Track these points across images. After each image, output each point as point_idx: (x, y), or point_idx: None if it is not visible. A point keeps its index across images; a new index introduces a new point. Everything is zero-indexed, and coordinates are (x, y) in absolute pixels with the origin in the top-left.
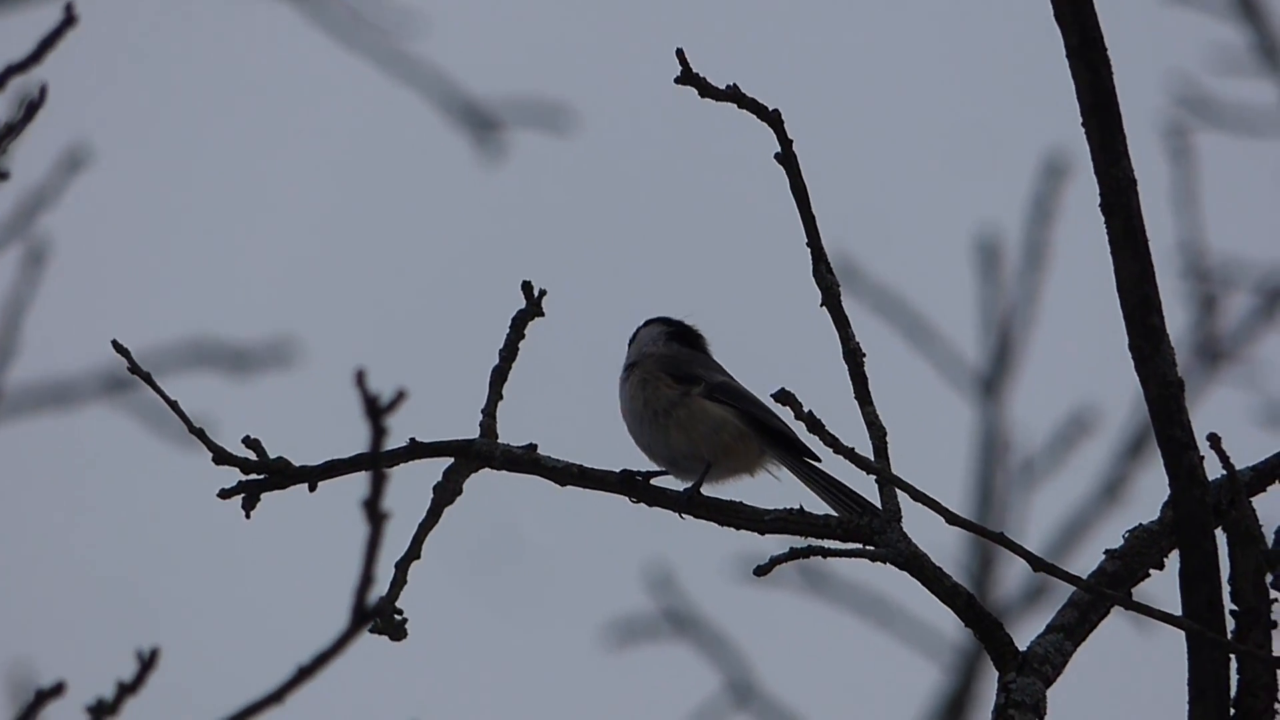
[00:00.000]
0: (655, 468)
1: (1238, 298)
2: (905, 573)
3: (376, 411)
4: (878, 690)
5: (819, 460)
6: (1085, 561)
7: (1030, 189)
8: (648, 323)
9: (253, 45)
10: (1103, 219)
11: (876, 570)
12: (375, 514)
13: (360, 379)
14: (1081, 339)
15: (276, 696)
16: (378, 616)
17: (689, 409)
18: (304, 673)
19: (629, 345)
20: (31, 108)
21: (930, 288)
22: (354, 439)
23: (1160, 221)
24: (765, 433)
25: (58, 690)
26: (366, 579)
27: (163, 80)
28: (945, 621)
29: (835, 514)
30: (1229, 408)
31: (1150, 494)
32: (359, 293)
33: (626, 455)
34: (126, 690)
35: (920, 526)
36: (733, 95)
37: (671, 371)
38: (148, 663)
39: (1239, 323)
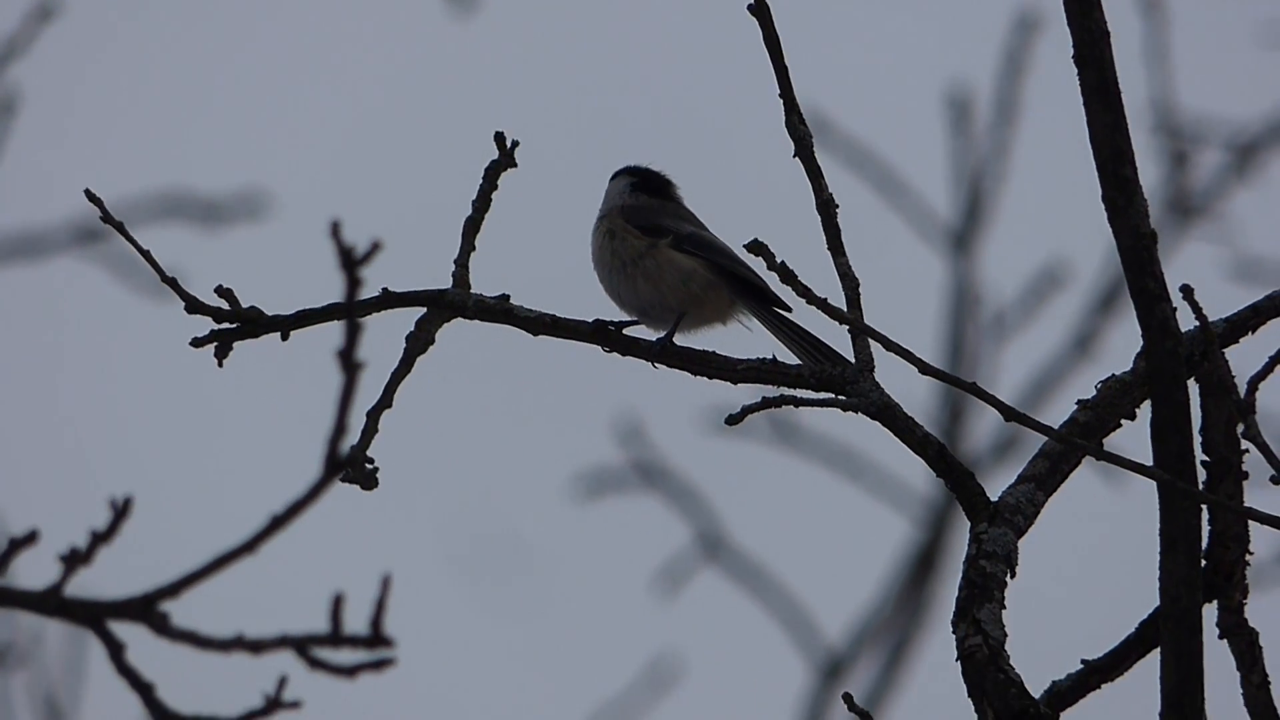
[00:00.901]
0: (627, 318)
1: (1209, 154)
2: (877, 423)
3: (351, 262)
4: (848, 543)
5: (790, 310)
6: (1056, 414)
7: (1002, 43)
8: (616, 174)
9: None
10: (1075, 71)
11: (847, 422)
12: (349, 363)
13: (335, 230)
14: (1053, 193)
15: (249, 546)
16: (349, 466)
17: (656, 260)
18: (277, 522)
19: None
20: None
21: (902, 143)
22: (327, 290)
23: (1132, 78)
24: (736, 283)
25: (30, 539)
26: (340, 428)
27: None
28: (916, 474)
29: (808, 365)
30: (1201, 262)
31: (1122, 347)
32: (330, 143)
33: (599, 306)
34: (100, 539)
35: (893, 378)
36: None
37: (638, 223)
38: (121, 511)
39: (1210, 178)
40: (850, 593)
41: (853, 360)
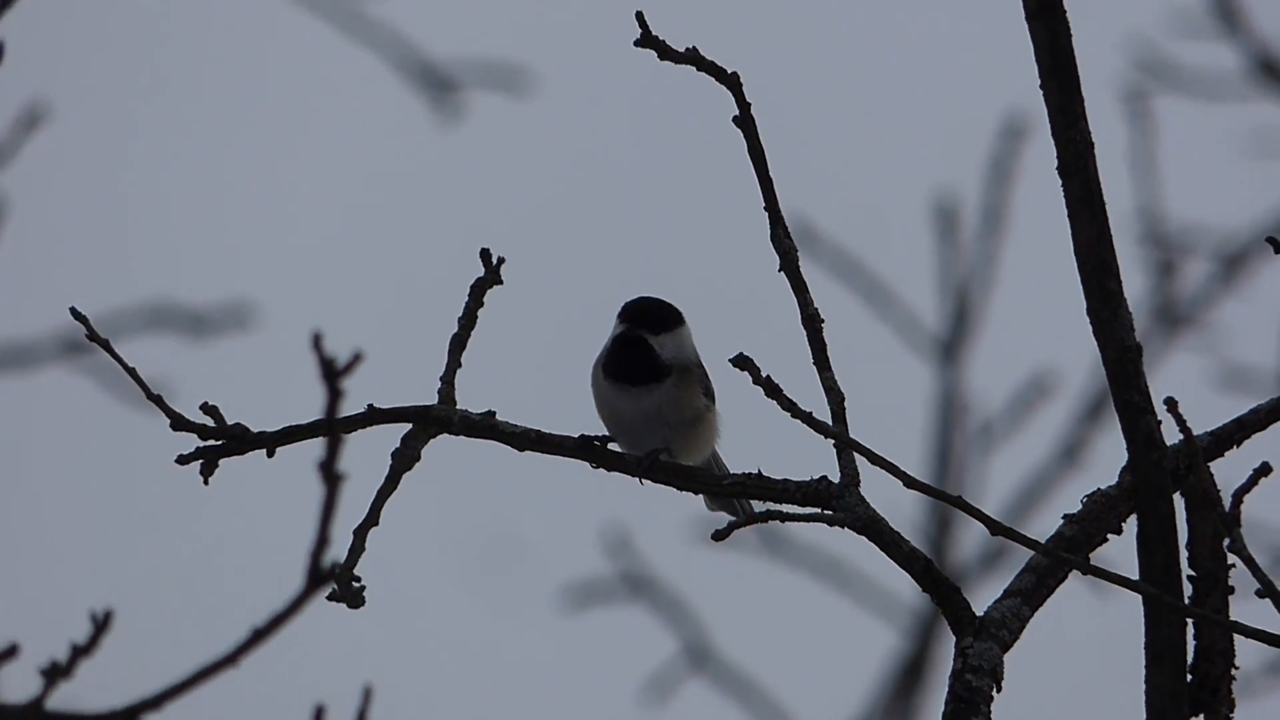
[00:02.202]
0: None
1: (1196, 263)
2: (863, 537)
3: (333, 374)
4: (835, 655)
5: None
6: (1043, 526)
7: (989, 152)
8: (682, 319)
9: (208, 5)
10: (1060, 182)
11: (834, 534)
12: (331, 475)
13: (317, 341)
14: (1040, 303)
15: (231, 659)
16: (335, 581)
17: (709, 422)
18: (259, 634)
19: (647, 322)
20: None
21: (889, 252)
22: (313, 404)
23: (1119, 186)
24: None
25: (11, 652)
26: (322, 540)
27: (119, 38)
28: (903, 586)
29: (793, 479)
30: (1188, 372)
31: (1109, 459)
32: (316, 257)
33: (585, 422)
34: (80, 652)
35: (878, 491)
36: (692, 58)
37: (704, 385)
38: (101, 624)
39: (1198, 288)
40: (837, 704)
41: (838, 476)
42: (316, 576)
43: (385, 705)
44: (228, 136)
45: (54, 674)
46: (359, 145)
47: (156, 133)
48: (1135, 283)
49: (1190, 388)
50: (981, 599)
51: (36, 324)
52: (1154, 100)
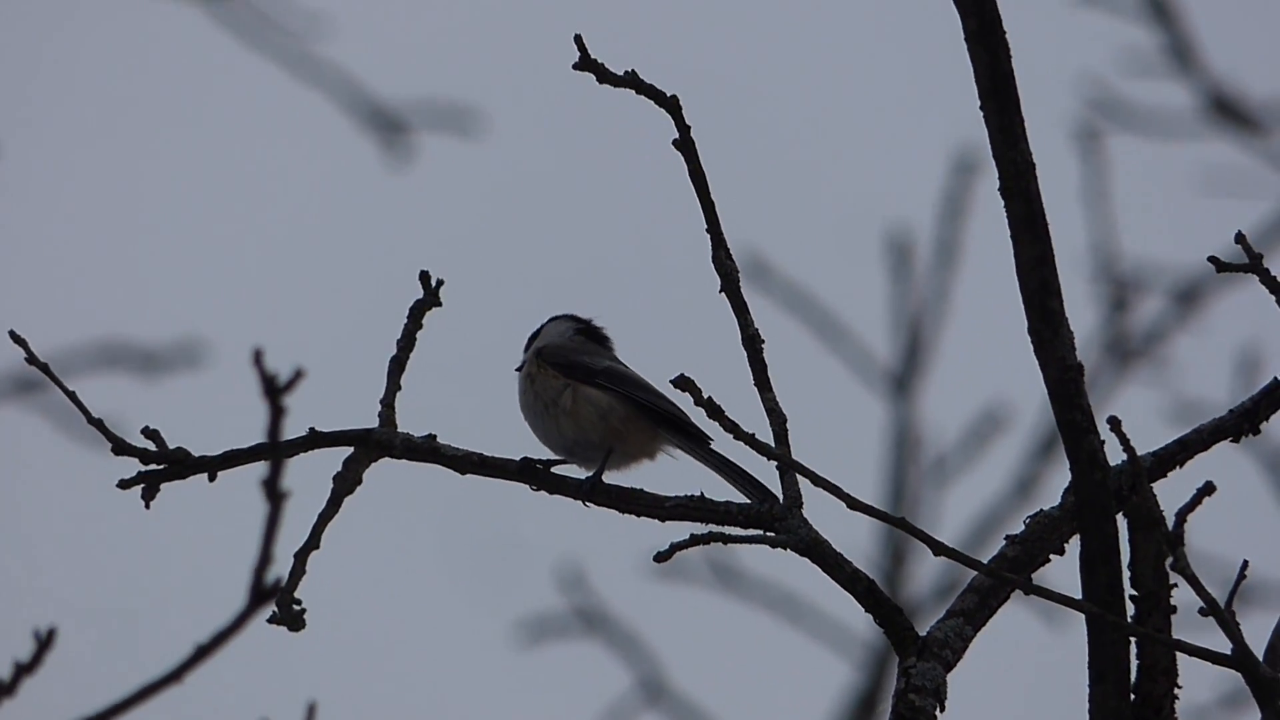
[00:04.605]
0: (555, 457)
1: (1150, 299)
2: (806, 559)
3: (274, 390)
4: (789, 688)
5: (712, 441)
6: (992, 552)
7: (942, 186)
8: (554, 318)
9: (158, 45)
10: (1002, 204)
11: (786, 563)
12: (274, 493)
13: (258, 358)
14: (994, 336)
15: (175, 675)
16: (276, 603)
17: (574, 397)
18: (202, 651)
19: (529, 339)
20: None
21: (841, 285)
22: (257, 432)
23: (1072, 224)
24: (656, 415)
25: None
26: (265, 558)
27: (67, 77)
28: (856, 618)
29: (736, 501)
30: (1140, 406)
31: (1059, 487)
32: (265, 291)
33: (527, 444)
34: (23, 670)
35: (827, 522)
36: (631, 81)
37: (555, 362)
38: (44, 643)
39: (1151, 323)
40: None
41: (781, 496)
42: (259, 593)
43: None
44: (179, 173)
45: None
46: (309, 183)
47: (105, 170)
48: (1088, 318)
49: (1143, 421)
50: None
51: None
52: (1107, 138)
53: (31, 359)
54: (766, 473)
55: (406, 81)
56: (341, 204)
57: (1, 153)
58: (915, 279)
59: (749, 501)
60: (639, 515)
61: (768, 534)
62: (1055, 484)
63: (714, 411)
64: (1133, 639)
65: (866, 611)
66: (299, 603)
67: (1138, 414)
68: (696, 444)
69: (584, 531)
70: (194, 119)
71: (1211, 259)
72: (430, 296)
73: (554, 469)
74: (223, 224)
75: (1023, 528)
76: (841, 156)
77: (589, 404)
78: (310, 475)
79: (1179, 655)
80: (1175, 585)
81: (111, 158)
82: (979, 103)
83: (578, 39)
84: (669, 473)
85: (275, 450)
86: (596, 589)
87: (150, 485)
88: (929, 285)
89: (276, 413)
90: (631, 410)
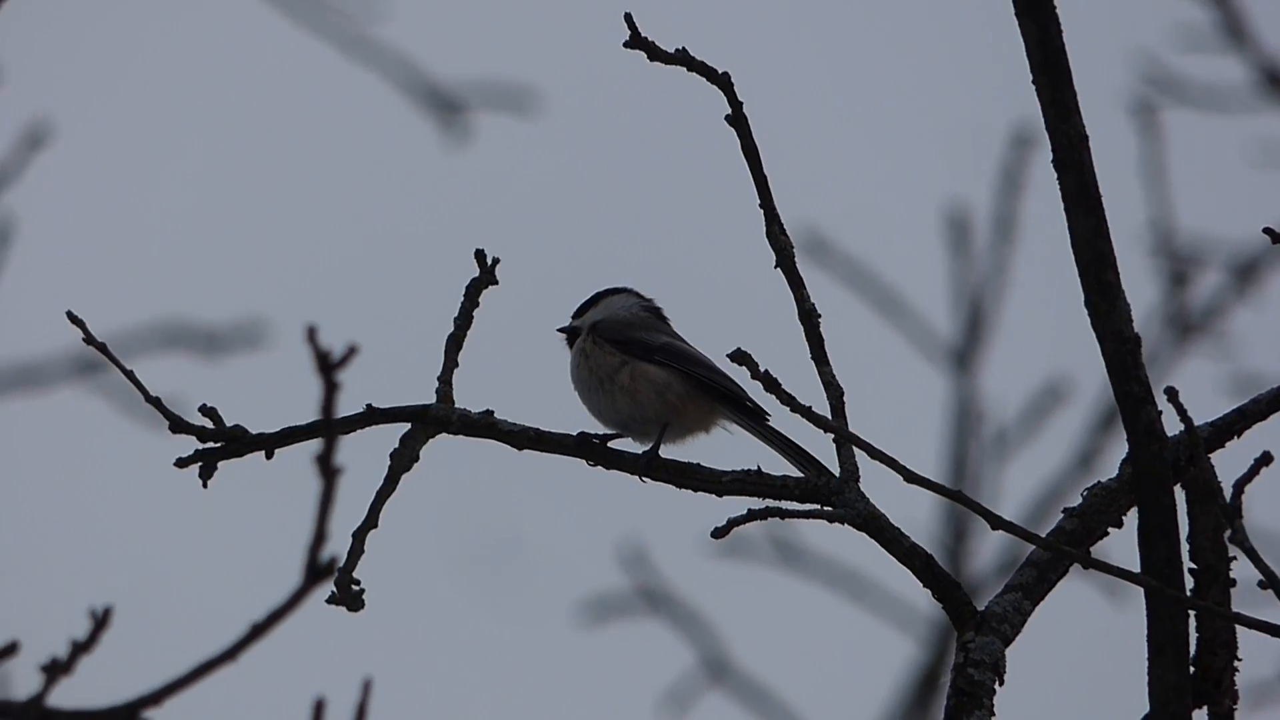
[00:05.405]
0: (610, 431)
1: (1208, 274)
2: (864, 534)
3: (328, 366)
4: (852, 665)
5: (769, 416)
6: (1053, 526)
7: (1000, 160)
8: (615, 290)
9: (218, 29)
10: (1056, 177)
11: (846, 538)
12: (328, 470)
13: (311, 335)
14: (1053, 310)
15: (231, 653)
16: (335, 583)
17: (630, 374)
18: (257, 629)
19: (581, 312)
20: None
21: (901, 262)
22: (314, 410)
23: (1130, 199)
24: (713, 390)
25: (11, 650)
26: (320, 536)
27: (125, 58)
28: (919, 595)
29: (792, 475)
30: (1200, 379)
31: (1117, 461)
32: (326, 271)
33: (584, 420)
34: (80, 649)
35: (887, 498)
36: (682, 59)
37: (611, 338)
38: (101, 621)
39: (1209, 297)
40: (855, 714)
41: (838, 471)
42: (314, 571)
43: (389, 714)
44: (242, 157)
45: (54, 670)
46: (368, 165)
47: (166, 151)
48: (1147, 293)
49: (1202, 394)
50: None
51: (49, 345)
52: (1162, 114)
53: (89, 339)
54: (823, 449)
55: (462, 62)
56: (399, 184)
57: (2, 78)
58: (974, 254)
59: (805, 476)
60: (696, 490)
61: (824, 508)
62: (1115, 457)
63: (770, 384)
64: (1192, 612)
65: (925, 586)
66: (358, 582)
67: (1197, 388)
68: (753, 419)
69: (630, 501)
70: (254, 102)
71: (1267, 230)
72: (487, 275)
73: (610, 444)
74: (283, 205)
75: (1080, 500)
76: (899, 133)
77: (646, 381)
78: (369, 453)
79: (1239, 628)
80: (1235, 558)
81: (172, 139)
82: (1031, 78)
83: (628, 17)
84: (724, 448)
85: (331, 427)
86: (657, 567)
87: (207, 463)
88: (988, 260)
89: (330, 388)
90: (689, 386)
